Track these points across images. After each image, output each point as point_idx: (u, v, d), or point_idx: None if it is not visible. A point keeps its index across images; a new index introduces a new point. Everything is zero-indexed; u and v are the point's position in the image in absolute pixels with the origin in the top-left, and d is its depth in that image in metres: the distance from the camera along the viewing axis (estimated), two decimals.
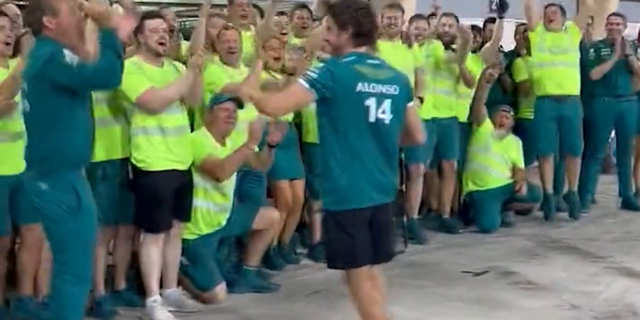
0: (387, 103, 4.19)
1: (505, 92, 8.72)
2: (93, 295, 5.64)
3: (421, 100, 7.43)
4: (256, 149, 5.93)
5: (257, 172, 6.35)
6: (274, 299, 6.01)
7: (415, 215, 7.79)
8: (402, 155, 7.30)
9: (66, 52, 4.16)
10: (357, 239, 4.23)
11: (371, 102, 4.15)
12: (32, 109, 4.31)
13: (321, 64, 4.43)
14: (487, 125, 8.16)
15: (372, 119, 4.16)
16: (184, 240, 5.87)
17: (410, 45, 7.56)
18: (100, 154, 5.45)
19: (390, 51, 7.31)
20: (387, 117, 4.20)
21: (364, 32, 4.24)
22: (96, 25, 4.31)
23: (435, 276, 6.56)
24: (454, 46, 7.91)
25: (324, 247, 4.60)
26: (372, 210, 4.24)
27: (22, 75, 4.37)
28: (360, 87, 4.14)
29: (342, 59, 4.22)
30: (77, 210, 4.31)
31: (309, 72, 4.19)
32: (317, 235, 7.13)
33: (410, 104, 4.39)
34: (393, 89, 4.24)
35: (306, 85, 4.12)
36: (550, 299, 5.95)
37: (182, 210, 5.64)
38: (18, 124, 4.96)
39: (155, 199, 5.47)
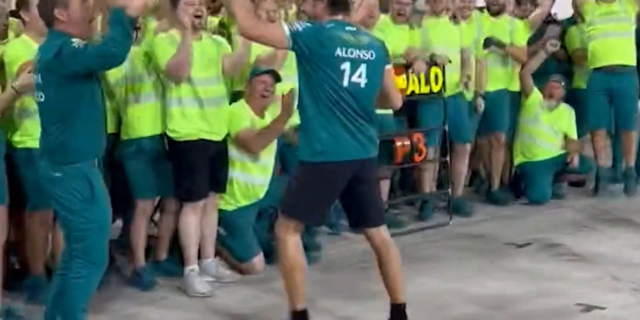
0: (362, 67, 4.40)
1: (559, 61, 8.53)
2: (134, 266, 5.76)
3: (469, 77, 7.36)
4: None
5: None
6: (311, 270, 5.98)
7: (460, 192, 7.69)
8: (447, 130, 7.29)
9: (74, 39, 4.23)
10: (323, 197, 4.45)
11: (346, 66, 4.37)
12: (46, 99, 4.36)
13: (308, 23, 4.51)
14: (535, 96, 7.99)
15: (346, 82, 4.38)
16: (222, 211, 5.91)
17: (457, 23, 7.46)
18: (136, 130, 5.55)
19: (436, 28, 7.26)
20: (362, 81, 4.41)
21: (339, 0, 4.50)
22: (105, 5, 4.37)
23: (478, 248, 6.50)
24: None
25: (285, 194, 4.70)
26: (353, 165, 4.40)
27: (34, 68, 4.44)
28: (338, 51, 4.37)
29: (324, 25, 4.42)
30: (91, 200, 4.39)
31: (297, 24, 4.42)
32: None
33: (387, 67, 4.58)
34: (370, 55, 4.45)
35: (287, 32, 4.35)
36: (592, 270, 5.85)
37: (217, 181, 5.67)
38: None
39: (189, 168, 5.52)
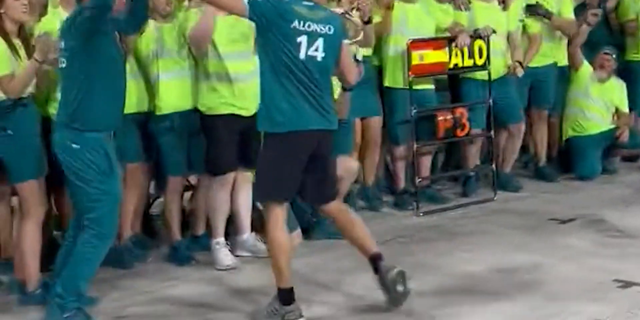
0: (319, 41, 4.46)
1: (610, 33, 8.29)
2: (170, 240, 5.80)
3: (520, 64, 7.21)
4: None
5: (344, 119, 6.29)
6: (347, 245, 5.95)
7: (508, 169, 7.54)
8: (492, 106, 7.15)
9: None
10: (289, 169, 4.46)
11: (303, 40, 4.42)
12: (67, 65, 4.44)
13: None
14: (586, 68, 7.78)
15: (302, 55, 4.43)
16: None
17: (505, 8, 7.29)
18: (168, 106, 5.56)
19: (483, 12, 7.11)
20: (319, 55, 4.46)
21: None
22: None
23: (520, 224, 6.39)
24: None
25: (256, 175, 4.69)
26: (314, 136, 4.46)
27: (59, 35, 4.53)
28: (295, 24, 4.41)
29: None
30: (108, 172, 4.45)
31: None
32: (401, 183, 7.05)
33: (345, 42, 4.64)
34: (327, 29, 4.49)
35: (245, 1, 4.36)
36: (633, 246, 5.70)
37: (248, 157, 5.66)
38: None
39: (216, 142, 5.53)
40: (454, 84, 7.31)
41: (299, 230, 5.96)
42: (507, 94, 7.27)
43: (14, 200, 5.26)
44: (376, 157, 6.93)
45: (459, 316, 4.59)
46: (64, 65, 4.47)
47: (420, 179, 6.91)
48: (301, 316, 4.53)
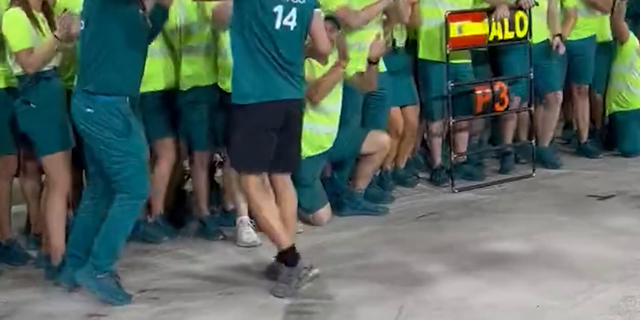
0: (293, 11, 4.51)
1: None
2: (199, 215, 5.78)
3: (561, 37, 7.02)
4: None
5: (379, 93, 6.21)
6: (378, 222, 5.91)
7: (547, 144, 7.34)
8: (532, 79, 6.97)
9: None
10: (262, 140, 4.50)
11: (279, 9, 4.47)
12: (85, 25, 4.42)
13: None
14: (632, 42, 7.51)
15: (277, 25, 4.48)
16: None
17: None
18: (190, 80, 5.53)
19: None
20: (292, 24, 4.52)
21: None
22: None
23: (557, 200, 6.24)
24: None
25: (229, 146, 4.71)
26: (285, 105, 4.50)
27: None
28: None
29: None
30: (127, 134, 4.43)
31: None
32: (438, 159, 6.94)
33: (316, 10, 4.67)
34: None
35: None
36: None
37: None
38: None
39: None
40: (494, 57, 7.13)
41: (328, 206, 5.96)
42: (547, 60, 7.05)
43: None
44: (411, 144, 6.83)
45: (486, 293, 4.48)
46: (83, 27, 4.45)
47: (455, 155, 6.78)
48: (312, 268, 4.51)
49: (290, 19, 4.50)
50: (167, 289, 4.80)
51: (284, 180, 4.80)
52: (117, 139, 4.41)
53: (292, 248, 4.57)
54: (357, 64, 5.93)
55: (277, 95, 4.50)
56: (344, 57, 5.62)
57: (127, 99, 4.49)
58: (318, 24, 4.73)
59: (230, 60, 5.31)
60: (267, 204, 4.60)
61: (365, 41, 5.98)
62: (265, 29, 4.44)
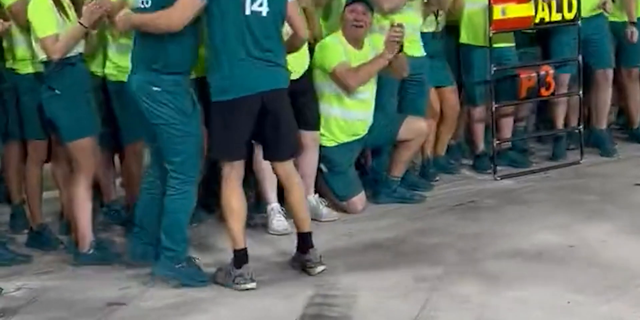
0: None
1: None
2: None
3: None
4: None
5: (417, 78, 6.03)
6: (414, 210, 5.76)
7: (603, 126, 7.08)
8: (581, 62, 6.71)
9: None
10: (236, 132, 4.44)
11: None
12: (151, 4, 4.38)
13: None
14: None
15: (247, 11, 4.36)
16: (322, 148, 5.72)
17: None
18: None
19: None
20: (263, 10, 4.40)
21: None
22: None
23: (601, 189, 6.01)
24: None
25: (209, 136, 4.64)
26: (262, 96, 4.41)
27: None
28: None
29: None
30: (190, 113, 4.43)
31: None
32: (480, 145, 6.74)
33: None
34: None
35: None
36: None
37: (302, 119, 5.46)
38: None
39: None
40: (541, 39, 6.88)
41: (362, 194, 5.83)
42: (597, 35, 6.78)
43: None
44: (451, 129, 6.62)
45: (515, 287, 4.31)
46: (147, 6, 4.40)
47: (498, 142, 6.57)
48: (252, 281, 4.45)
49: (261, 4, 4.39)
50: None
51: (285, 169, 4.67)
52: (180, 119, 4.40)
53: (243, 250, 4.51)
54: None
55: (253, 88, 4.41)
56: (392, 50, 5.49)
57: (189, 76, 4.47)
58: (292, 9, 4.59)
59: None
60: (236, 202, 4.51)
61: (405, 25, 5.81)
62: (237, 15, 4.34)
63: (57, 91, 4.75)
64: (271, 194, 5.46)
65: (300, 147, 5.02)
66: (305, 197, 5.51)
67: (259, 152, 5.07)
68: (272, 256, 5.00)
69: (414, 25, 5.97)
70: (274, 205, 5.47)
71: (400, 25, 5.54)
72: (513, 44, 6.60)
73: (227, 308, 4.28)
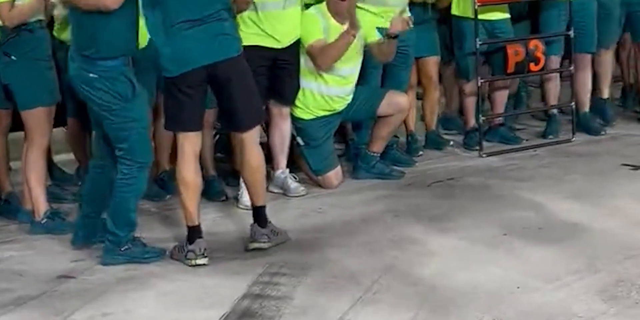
0: None
1: None
2: (205, 175, 5.58)
3: None
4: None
5: (402, 50, 5.84)
6: (390, 187, 5.62)
7: (585, 108, 6.80)
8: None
9: None
10: (185, 104, 4.34)
11: None
12: None
13: None
14: None
15: None
16: (299, 120, 5.60)
17: None
18: None
19: None
20: None
21: None
22: None
23: (587, 169, 5.81)
24: None
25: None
26: (206, 70, 4.30)
27: None
28: None
29: None
30: (131, 98, 4.26)
31: None
32: (471, 121, 6.56)
33: None
34: None
35: None
36: None
37: (278, 92, 5.35)
38: None
39: None
40: (532, 12, 6.65)
41: (338, 169, 5.70)
42: (582, 18, 6.52)
43: None
44: (435, 99, 6.45)
45: (470, 270, 4.17)
46: None
47: (484, 117, 6.39)
48: (203, 257, 4.37)
49: None
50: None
51: (243, 139, 4.49)
52: (122, 105, 4.24)
53: (197, 227, 4.42)
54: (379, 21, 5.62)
55: (195, 63, 4.26)
56: (353, 24, 5.31)
57: (129, 60, 4.30)
58: None
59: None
60: (190, 176, 4.39)
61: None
62: None
63: (13, 57, 4.67)
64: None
65: (262, 117, 4.83)
66: (273, 171, 5.49)
67: None
68: (236, 232, 4.89)
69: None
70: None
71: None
72: (507, 16, 6.37)
73: (174, 284, 4.18)
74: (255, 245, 4.53)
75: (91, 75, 4.24)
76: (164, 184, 5.60)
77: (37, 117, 4.72)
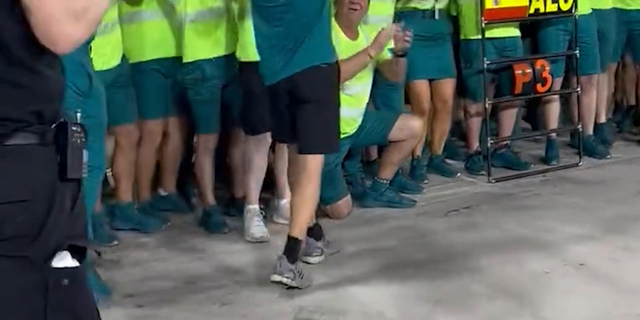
0: None
1: None
2: (203, 205, 5.19)
3: None
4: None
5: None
6: (404, 217, 5.25)
7: (589, 131, 6.57)
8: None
9: None
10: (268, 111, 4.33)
11: None
12: None
13: None
14: None
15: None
16: None
17: None
18: (196, 52, 4.90)
19: None
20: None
21: None
22: None
23: (602, 195, 5.50)
24: None
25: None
26: (283, 84, 4.20)
27: None
28: None
29: None
30: (87, 92, 3.88)
31: None
32: (475, 144, 6.25)
33: None
34: None
35: None
36: None
37: None
38: None
39: (253, 95, 4.78)
40: (535, 31, 6.39)
41: (348, 197, 5.32)
42: (585, 38, 6.29)
43: None
44: (447, 124, 6.14)
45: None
46: None
47: (492, 141, 6.09)
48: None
49: None
50: (159, 291, 4.18)
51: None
52: (78, 99, 3.78)
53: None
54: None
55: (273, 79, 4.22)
56: (378, 47, 4.97)
57: (89, 47, 3.91)
58: None
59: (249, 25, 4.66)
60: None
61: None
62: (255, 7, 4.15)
63: None
64: (254, 193, 4.99)
65: None
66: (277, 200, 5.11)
67: (252, 146, 4.85)
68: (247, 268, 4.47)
69: (383, 16, 5.50)
70: (252, 206, 4.97)
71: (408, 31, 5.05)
72: (518, 34, 6.10)
73: None
74: (276, 277, 4.09)
75: None
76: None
77: None
